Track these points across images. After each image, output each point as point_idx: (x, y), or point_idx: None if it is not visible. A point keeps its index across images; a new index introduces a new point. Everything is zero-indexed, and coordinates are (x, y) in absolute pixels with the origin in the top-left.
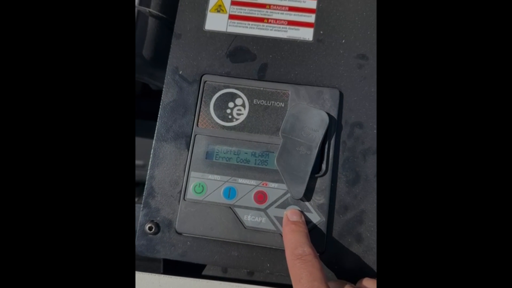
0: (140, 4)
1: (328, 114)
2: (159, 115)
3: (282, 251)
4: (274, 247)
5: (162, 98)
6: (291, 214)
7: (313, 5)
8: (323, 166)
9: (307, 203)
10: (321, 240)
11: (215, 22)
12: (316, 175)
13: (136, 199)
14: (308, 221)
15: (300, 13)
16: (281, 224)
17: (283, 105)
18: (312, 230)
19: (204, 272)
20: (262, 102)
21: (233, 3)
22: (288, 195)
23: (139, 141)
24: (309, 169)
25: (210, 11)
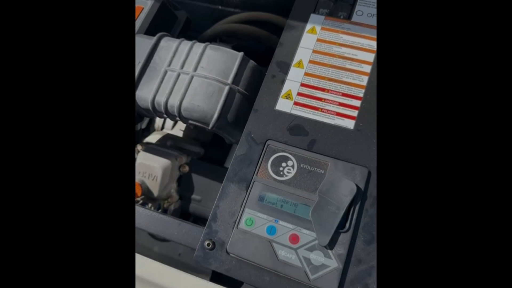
0: (232, 83)
1: (357, 186)
2: (231, 162)
3: (303, 285)
4: (297, 280)
5: (236, 151)
6: None
7: (358, 104)
8: (347, 225)
9: (329, 250)
10: (335, 282)
11: (283, 105)
12: (340, 231)
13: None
14: (327, 265)
15: (347, 108)
16: (307, 264)
17: (322, 172)
18: (329, 273)
19: None
20: (307, 167)
21: (298, 94)
22: (316, 242)
23: (201, 180)
24: (335, 224)
25: (281, 97)
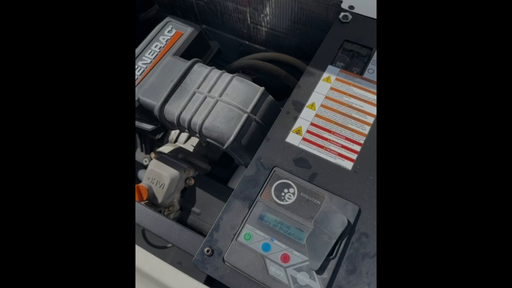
0: (251, 112)
1: (348, 220)
2: (239, 182)
3: None
4: None
5: (245, 172)
6: None
7: (358, 148)
8: (334, 253)
9: (315, 274)
10: None
11: (293, 138)
12: (330, 258)
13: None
14: (311, 286)
15: (348, 151)
16: (293, 282)
17: (319, 203)
18: None
19: None
20: (306, 196)
21: (307, 131)
22: (304, 264)
23: (204, 195)
24: (327, 252)
25: (292, 131)
